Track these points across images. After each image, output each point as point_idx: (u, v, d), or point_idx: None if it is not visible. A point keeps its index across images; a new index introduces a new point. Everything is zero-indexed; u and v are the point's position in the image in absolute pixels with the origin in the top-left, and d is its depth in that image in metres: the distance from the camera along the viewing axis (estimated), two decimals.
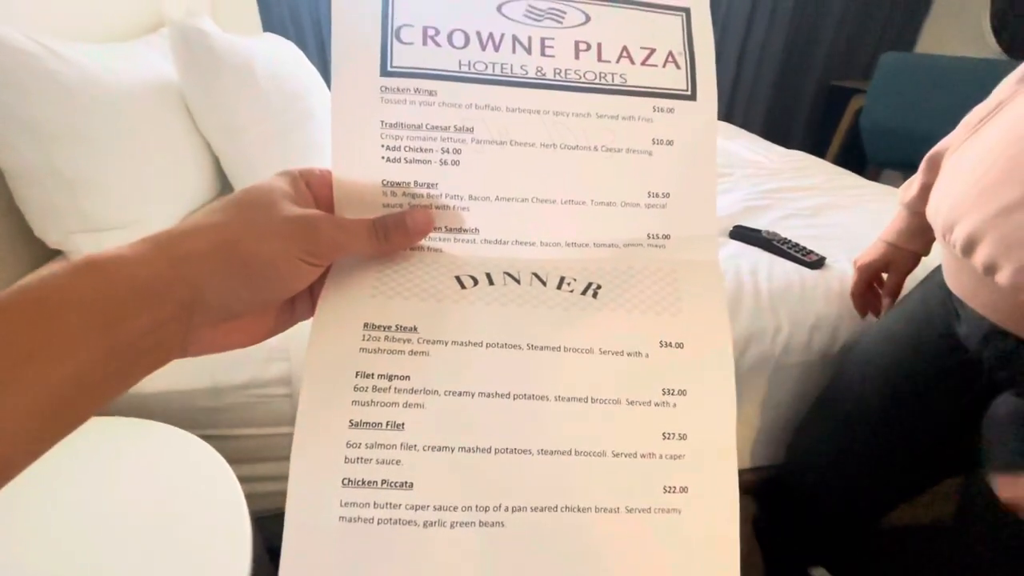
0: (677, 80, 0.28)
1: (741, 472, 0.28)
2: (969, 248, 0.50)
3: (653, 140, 0.28)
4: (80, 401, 0.18)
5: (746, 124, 2.07)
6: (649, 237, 0.28)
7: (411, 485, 0.23)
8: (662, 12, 0.29)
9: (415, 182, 0.27)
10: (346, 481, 0.22)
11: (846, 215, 1.08)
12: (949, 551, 0.60)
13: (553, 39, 0.28)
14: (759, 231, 0.96)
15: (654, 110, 0.28)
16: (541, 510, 0.23)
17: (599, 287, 0.27)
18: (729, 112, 2.29)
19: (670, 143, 0.28)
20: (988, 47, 1.97)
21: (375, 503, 0.22)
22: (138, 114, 0.84)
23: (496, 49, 0.27)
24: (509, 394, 0.24)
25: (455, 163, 0.27)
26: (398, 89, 0.26)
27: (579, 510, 0.23)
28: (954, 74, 1.62)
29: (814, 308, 0.83)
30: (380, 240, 0.26)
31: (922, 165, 0.65)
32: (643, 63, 0.28)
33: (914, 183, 0.67)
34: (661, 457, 0.24)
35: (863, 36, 2.25)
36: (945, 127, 0.62)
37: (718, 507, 0.24)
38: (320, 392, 0.24)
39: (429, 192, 0.27)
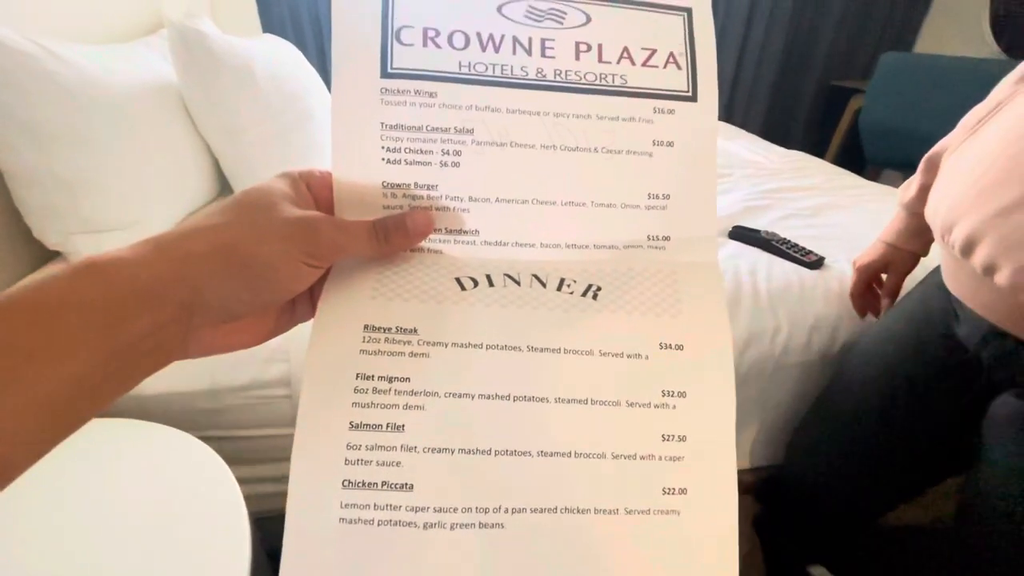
0: (678, 81, 0.28)
1: (741, 472, 0.28)
2: (968, 249, 0.50)
3: (653, 141, 0.28)
4: (80, 402, 0.18)
5: (745, 124, 2.06)
6: (649, 239, 0.28)
7: (411, 487, 0.23)
8: (664, 12, 0.29)
9: (415, 184, 0.27)
10: (346, 483, 0.22)
11: (845, 215, 1.08)
12: (949, 551, 0.60)
13: (553, 40, 0.28)
14: (758, 231, 0.96)
15: (655, 111, 0.28)
16: (541, 511, 0.23)
17: (599, 289, 0.27)
18: (729, 112, 2.29)
19: (670, 144, 0.28)
20: (988, 47, 1.97)
21: (375, 504, 0.22)
22: (137, 115, 0.84)
23: (496, 50, 0.27)
24: (509, 396, 0.24)
25: (455, 165, 0.27)
26: (398, 91, 0.26)
27: (579, 511, 0.23)
28: (954, 74, 1.62)
29: (813, 308, 0.83)
30: (380, 242, 0.26)
31: (920, 166, 0.65)
32: (644, 64, 0.28)
33: (913, 184, 0.67)
34: (660, 459, 0.24)
35: (863, 36, 2.25)
36: (945, 127, 0.62)
37: (717, 509, 0.24)
38: (320, 394, 0.24)
39: (429, 194, 0.27)
